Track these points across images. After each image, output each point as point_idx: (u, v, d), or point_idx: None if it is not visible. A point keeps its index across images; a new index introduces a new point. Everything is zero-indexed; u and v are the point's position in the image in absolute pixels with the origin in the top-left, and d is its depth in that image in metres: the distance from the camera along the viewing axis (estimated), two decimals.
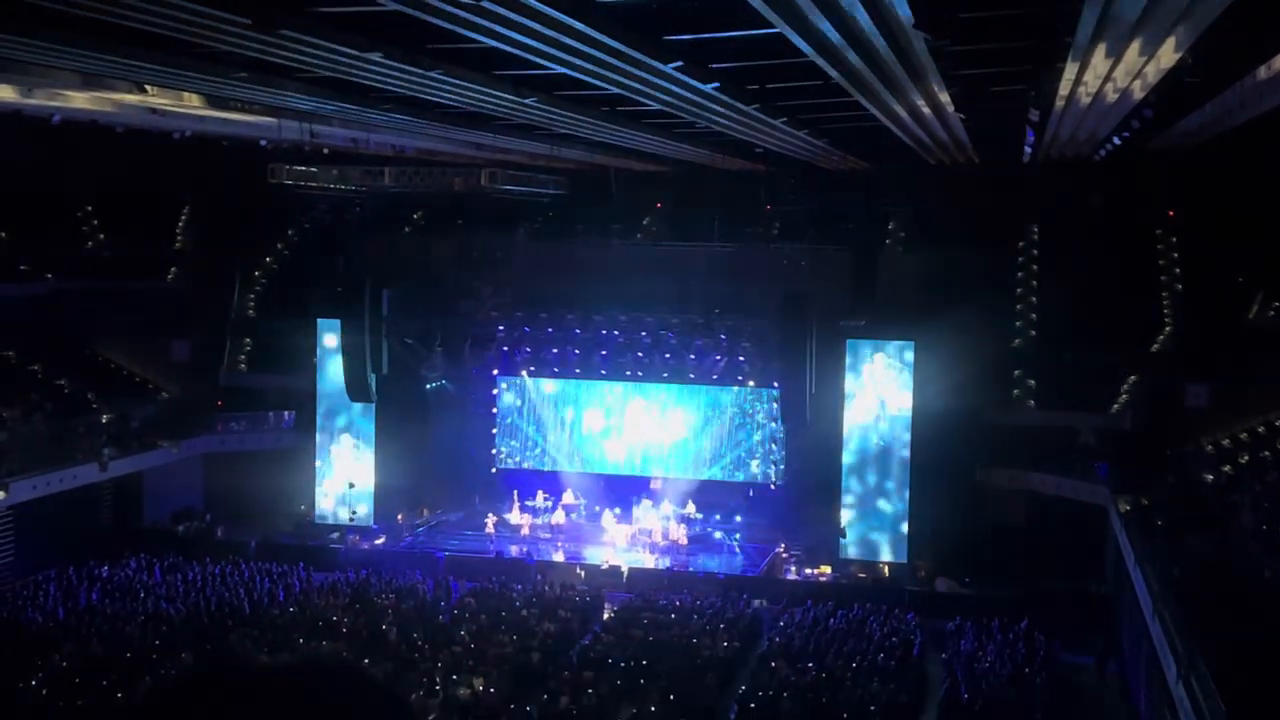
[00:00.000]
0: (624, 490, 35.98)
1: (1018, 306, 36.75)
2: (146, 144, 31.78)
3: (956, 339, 32.35)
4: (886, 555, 32.05)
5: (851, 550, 32.23)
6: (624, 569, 31.28)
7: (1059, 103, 20.13)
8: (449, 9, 11.83)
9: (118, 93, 21.65)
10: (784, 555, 32.71)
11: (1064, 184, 34.29)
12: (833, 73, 16.07)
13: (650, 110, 20.92)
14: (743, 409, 36.71)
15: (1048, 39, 15.06)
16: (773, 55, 15.31)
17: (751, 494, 36.14)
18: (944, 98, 19.28)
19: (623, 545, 33.10)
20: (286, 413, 37.65)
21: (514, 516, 34.97)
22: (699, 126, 23.60)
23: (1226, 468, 29.70)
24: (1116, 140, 25.46)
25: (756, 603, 29.30)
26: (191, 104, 23.49)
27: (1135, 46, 14.78)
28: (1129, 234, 36.12)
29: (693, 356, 35.67)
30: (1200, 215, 34.87)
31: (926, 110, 21.02)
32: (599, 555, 32.45)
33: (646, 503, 34.84)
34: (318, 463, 35.26)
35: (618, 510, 34.66)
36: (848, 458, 32.41)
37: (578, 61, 15.11)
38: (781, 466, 36.18)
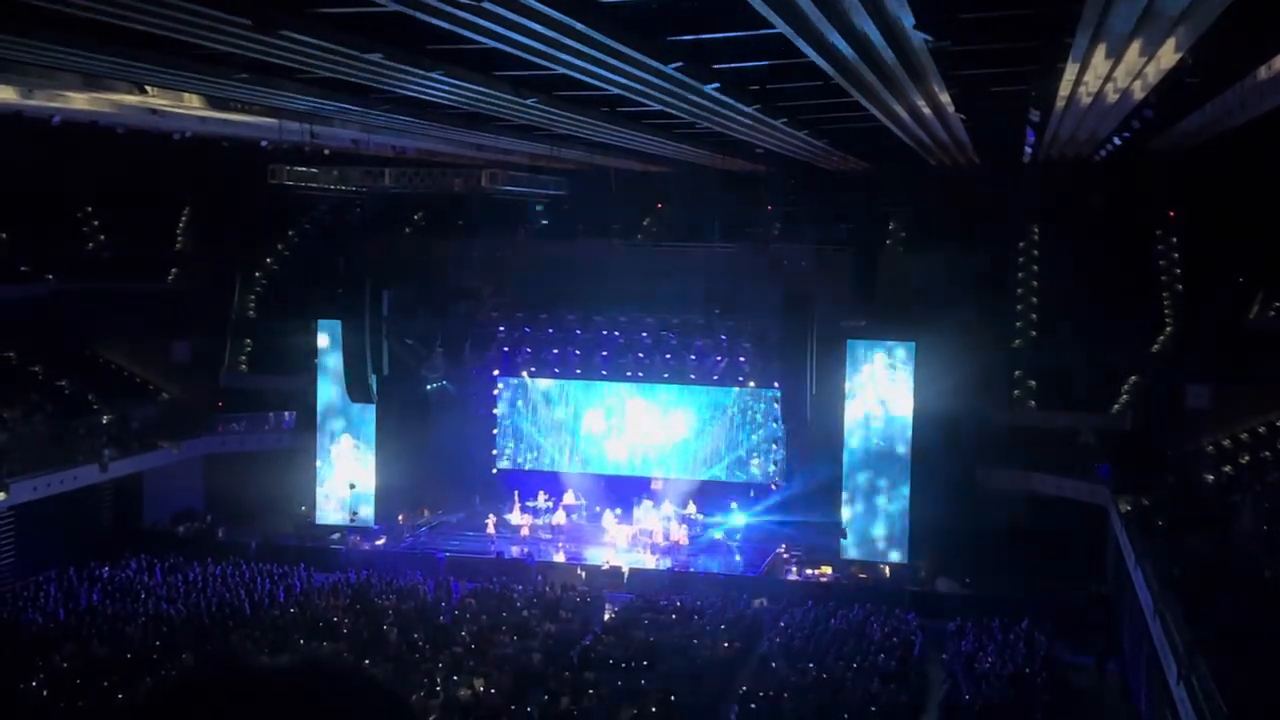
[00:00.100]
0: (625, 491, 35.98)
1: (1018, 307, 36.75)
2: (147, 145, 31.81)
3: (957, 339, 32.36)
4: (887, 556, 32.04)
5: (852, 551, 32.23)
6: (625, 570, 31.27)
7: (1059, 103, 20.13)
8: (449, 9, 11.84)
9: (118, 93, 21.66)
10: (784, 556, 32.70)
11: (1064, 184, 34.30)
12: (833, 73, 16.07)
13: (650, 111, 20.92)
14: (743, 409, 36.72)
15: (1048, 39, 15.06)
16: (773, 56, 15.32)
17: (752, 494, 36.14)
18: (944, 98, 19.29)
19: (623, 546, 33.10)
20: (287, 413, 37.65)
21: (515, 517, 34.97)
22: (699, 127, 23.60)
23: (1227, 468, 29.71)
24: (1117, 140, 25.46)
25: (757, 603, 29.29)
26: (192, 105, 23.51)
27: (1135, 47, 14.79)
28: (1129, 234, 36.12)
29: (693, 357, 35.67)
30: (1201, 215, 34.87)
31: (927, 110, 21.03)
32: (600, 556, 32.44)
33: (647, 503, 34.85)
34: (318, 463, 35.27)
35: (618, 511, 34.66)
36: (848, 458, 32.41)
37: (578, 62, 15.11)
38: (782, 466, 36.18)
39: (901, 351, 32.11)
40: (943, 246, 35.82)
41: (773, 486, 36.19)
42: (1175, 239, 36.48)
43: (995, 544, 30.99)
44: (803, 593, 30.28)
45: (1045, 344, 35.64)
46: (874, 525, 32.22)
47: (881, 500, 32.18)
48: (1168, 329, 34.96)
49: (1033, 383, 35.18)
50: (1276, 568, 21.88)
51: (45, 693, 22.03)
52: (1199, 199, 34.42)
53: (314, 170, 33.95)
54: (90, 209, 40.71)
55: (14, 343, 36.07)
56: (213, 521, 34.92)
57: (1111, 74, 16.98)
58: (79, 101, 23.40)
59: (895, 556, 31.94)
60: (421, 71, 16.20)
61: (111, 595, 28.25)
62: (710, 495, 35.79)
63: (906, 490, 31.92)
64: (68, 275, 37.92)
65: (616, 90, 17.82)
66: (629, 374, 36.39)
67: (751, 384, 35.99)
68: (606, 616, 28.61)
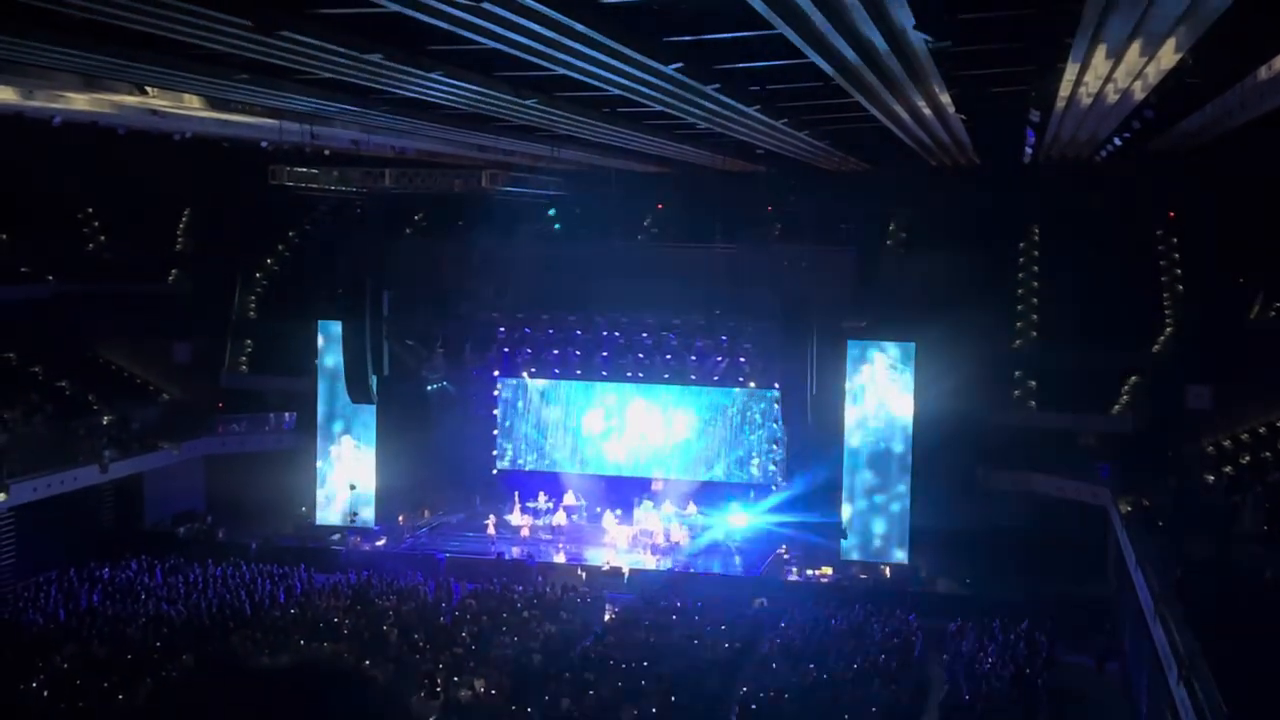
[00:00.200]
0: (625, 491, 36.00)
1: (1019, 307, 36.76)
2: (147, 146, 31.83)
3: (957, 340, 32.33)
4: (887, 556, 32.03)
5: (853, 551, 32.22)
6: (625, 570, 31.27)
7: (1060, 103, 20.14)
8: (449, 10, 11.84)
9: (118, 94, 21.67)
10: (785, 556, 32.70)
11: (1065, 185, 34.30)
12: (834, 74, 16.08)
13: (651, 111, 20.92)
14: (743, 410, 36.72)
15: (1049, 40, 15.06)
16: (774, 56, 15.32)
17: (753, 495, 36.14)
18: (945, 99, 19.29)
19: (624, 547, 33.11)
20: (287, 414, 37.66)
21: (515, 518, 34.99)
22: (700, 128, 23.60)
23: (1228, 469, 29.66)
24: (1117, 141, 25.45)
25: (757, 603, 29.28)
26: (192, 106, 23.52)
27: (1136, 47, 14.80)
28: (1130, 235, 36.13)
29: (694, 358, 35.67)
30: (1201, 216, 34.86)
31: (927, 111, 21.03)
32: (600, 557, 32.44)
33: (647, 504, 34.85)
34: (319, 464, 35.28)
35: (619, 511, 34.68)
36: (848, 458, 32.40)
37: (578, 63, 15.12)
38: (782, 467, 36.18)
39: (902, 352, 32.10)
40: (943, 247, 35.83)
41: (773, 487, 36.19)
42: (1176, 239, 36.48)
43: (996, 545, 30.97)
44: (803, 593, 30.27)
45: (1046, 344, 35.64)
46: (874, 526, 32.21)
47: (881, 500, 32.17)
48: (1168, 329, 34.96)
49: (1033, 383, 35.18)
50: (1277, 568, 21.87)
51: (46, 693, 22.00)
52: (1199, 199, 34.40)
53: (314, 171, 33.94)
54: (91, 210, 40.75)
55: (14, 343, 36.10)
56: (213, 522, 34.92)
57: (1112, 74, 16.98)
58: (80, 102, 23.42)
59: (896, 557, 31.92)
60: (421, 72, 16.21)
61: (112, 596, 28.24)
62: (711, 496, 35.81)
63: (907, 491, 31.91)
64: (68, 276, 37.95)
65: (617, 91, 17.83)
66: (629, 374, 36.39)
67: (752, 385, 36.00)
68: (607, 617, 28.59)
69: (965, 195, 35.28)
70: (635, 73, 15.96)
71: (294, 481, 35.74)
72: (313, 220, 42.20)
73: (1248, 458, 29.86)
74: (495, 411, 38.08)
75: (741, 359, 35.39)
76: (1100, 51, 15.09)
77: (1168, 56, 15.39)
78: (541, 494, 35.65)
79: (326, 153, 33.40)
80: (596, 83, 16.97)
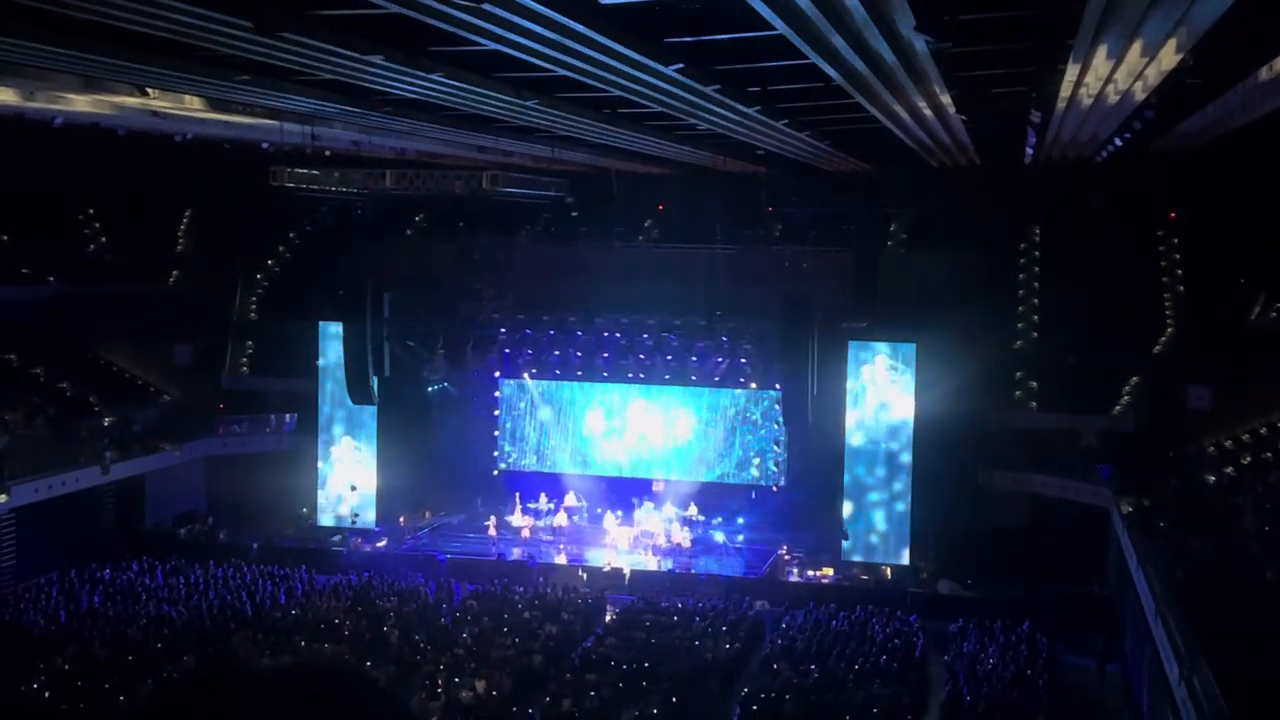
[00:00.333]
0: (626, 492, 35.98)
1: (1019, 308, 36.75)
2: (148, 147, 31.82)
3: (958, 341, 32.32)
4: (889, 557, 32.02)
5: (854, 552, 32.20)
6: (626, 571, 31.27)
7: (1060, 104, 20.13)
8: (450, 11, 11.84)
9: (119, 96, 21.67)
10: (786, 557, 32.69)
11: (1066, 185, 34.29)
12: (834, 75, 16.07)
13: (651, 112, 20.92)
14: (744, 411, 36.71)
15: (1049, 40, 15.06)
16: (774, 57, 15.32)
17: (754, 496, 36.15)
18: (945, 99, 19.29)
19: (625, 548, 33.09)
20: (288, 415, 37.65)
21: (516, 519, 34.98)
22: (700, 129, 23.60)
23: (1229, 469, 29.66)
24: (1118, 141, 25.43)
25: (759, 605, 29.29)
26: (193, 107, 23.52)
27: (1136, 48, 14.79)
28: (1131, 235, 36.10)
29: (694, 358, 35.67)
30: (1202, 217, 34.85)
31: (928, 112, 21.03)
32: (601, 558, 32.43)
33: (649, 505, 34.85)
34: (320, 464, 35.28)
35: (620, 512, 34.66)
36: (849, 459, 32.39)
37: (578, 64, 15.12)
38: (784, 468, 36.17)
39: (902, 353, 32.10)
40: (944, 248, 35.81)
41: (774, 488, 36.19)
42: (1176, 240, 36.45)
43: (997, 545, 30.96)
44: (805, 594, 30.27)
45: (1046, 345, 35.61)
46: (875, 527, 32.20)
47: (883, 502, 32.16)
48: (1169, 330, 34.94)
49: (1034, 384, 35.17)
50: (1278, 569, 21.87)
51: (47, 695, 22.04)
52: (1200, 200, 34.40)
53: (315, 172, 33.96)
54: (92, 211, 40.74)
55: (15, 345, 36.10)
56: (214, 523, 34.92)
57: (1112, 75, 16.98)
58: (80, 104, 23.42)
59: (897, 558, 31.92)
60: (423, 74, 16.21)
61: (113, 597, 28.25)
62: (712, 497, 35.78)
63: (908, 491, 31.90)
64: (69, 277, 37.93)
65: (617, 92, 17.82)
66: (630, 376, 36.39)
67: (753, 385, 35.99)
68: (608, 618, 28.61)
69: (966, 196, 35.26)
70: (636, 74, 15.95)
71: (295, 483, 35.74)
72: (313, 221, 42.20)
73: (1248, 458, 29.84)
74: (496, 413, 38.08)
75: (742, 360, 35.39)
76: (1101, 52, 15.09)
77: (1168, 57, 15.39)
78: (543, 495, 35.64)
79: (327, 154, 33.41)
80: (597, 84, 16.96)
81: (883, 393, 32.21)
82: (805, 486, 34.99)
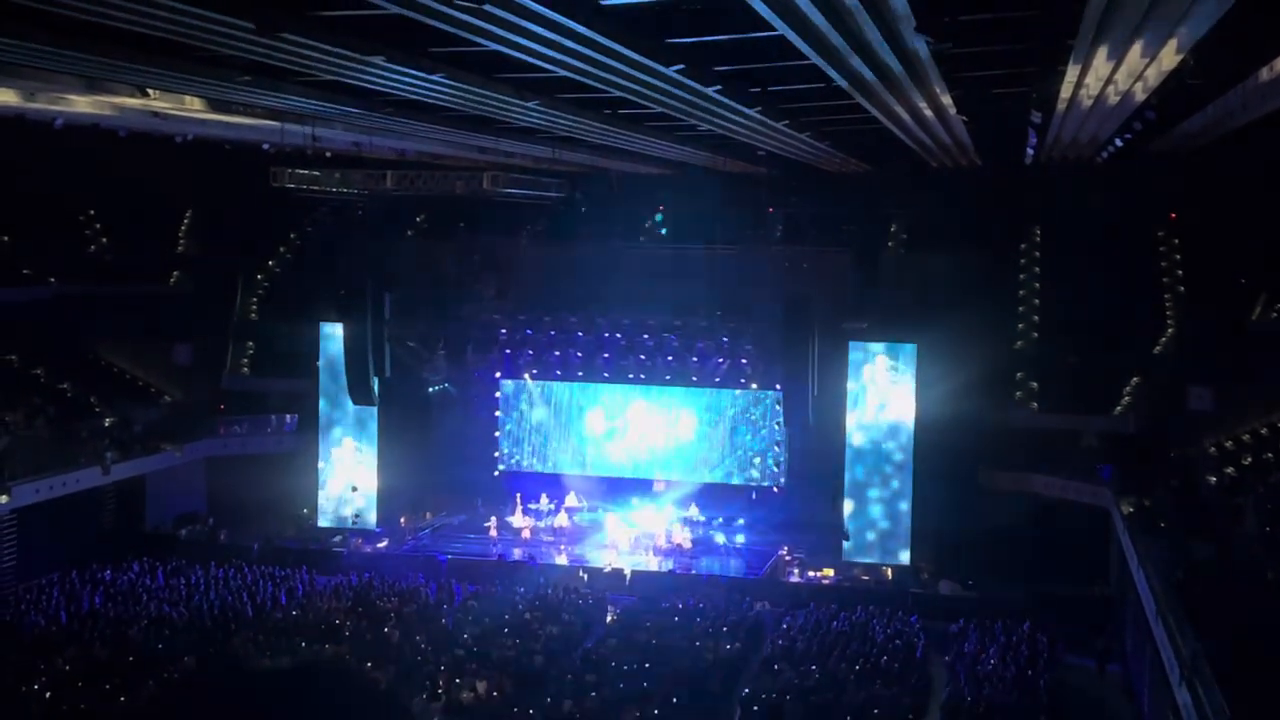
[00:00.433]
0: (627, 493, 36.02)
1: (1020, 309, 36.76)
2: (149, 148, 31.80)
3: (959, 341, 32.34)
4: (889, 558, 32.02)
5: (854, 553, 32.20)
6: (627, 572, 31.27)
7: (1061, 105, 20.12)
8: (450, 12, 11.84)
9: (120, 96, 21.68)
10: (787, 558, 32.68)
11: (1066, 186, 34.26)
12: (835, 75, 16.08)
13: (652, 113, 20.92)
14: (745, 411, 36.72)
15: (1050, 41, 15.05)
16: (775, 58, 15.31)
17: (754, 496, 36.16)
18: (946, 100, 19.29)
19: (625, 548, 33.09)
20: (289, 416, 37.68)
21: (516, 519, 35.00)
22: (701, 129, 23.60)
23: (1229, 470, 29.63)
24: (1118, 142, 25.41)
25: (759, 605, 29.29)
26: (194, 107, 23.51)
27: (1137, 48, 14.78)
28: (1131, 236, 36.11)
29: (695, 359, 35.71)
30: (1202, 217, 34.85)
31: (929, 112, 21.03)
32: (602, 558, 32.43)
33: (649, 505, 34.84)
34: (320, 465, 35.29)
35: (620, 513, 34.66)
36: (850, 460, 32.39)
37: (579, 65, 15.12)
38: (784, 468, 36.18)
39: (903, 353, 32.10)
40: (944, 248, 35.83)
41: (775, 489, 36.19)
42: (1177, 241, 36.47)
43: (997, 546, 30.95)
44: (805, 595, 30.27)
45: (1047, 346, 35.63)
46: (876, 527, 32.19)
47: (883, 501, 32.16)
48: (1170, 331, 34.94)
49: (1035, 384, 35.17)
50: (1278, 569, 21.85)
51: (48, 695, 22.03)
52: (1201, 201, 34.39)
53: (316, 173, 33.96)
54: (92, 212, 40.76)
55: (16, 345, 36.13)
56: (215, 524, 34.93)
57: (1113, 76, 16.97)
58: (81, 104, 23.42)
59: (897, 559, 31.91)
60: (423, 74, 16.21)
61: (113, 598, 28.25)
62: (712, 497, 35.80)
63: (908, 492, 31.90)
64: (70, 278, 37.97)
65: (618, 93, 17.82)
66: (631, 376, 36.43)
67: (753, 386, 36.01)
68: (609, 619, 28.61)
69: (966, 196, 35.26)
70: (637, 74, 15.95)
71: (296, 483, 35.74)
72: (314, 222, 42.23)
73: (1249, 459, 29.81)
74: (497, 413, 38.10)
75: (743, 360, 35.42)
76: (1101, 53, 15.09)
77: (1169, 58, 15.38)
78: (543, 495, 35.67)
79: (328, 155, 33.40)
80: (598, 84, 16.96)
81: (883, 393, 32.21)
82: (806, 487, 35.01)
